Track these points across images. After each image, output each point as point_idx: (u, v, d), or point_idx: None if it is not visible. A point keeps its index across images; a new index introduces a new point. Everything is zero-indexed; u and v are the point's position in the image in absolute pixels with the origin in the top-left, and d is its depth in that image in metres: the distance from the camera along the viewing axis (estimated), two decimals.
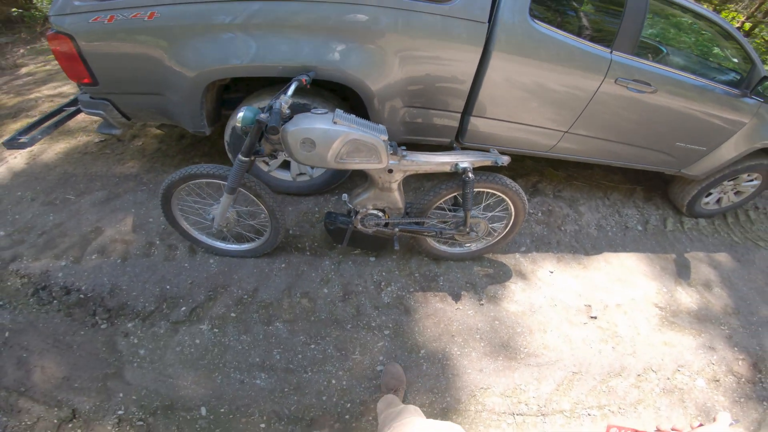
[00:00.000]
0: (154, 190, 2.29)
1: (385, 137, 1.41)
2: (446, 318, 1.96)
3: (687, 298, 2.27)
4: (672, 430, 0.60)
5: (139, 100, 1.87)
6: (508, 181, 1.72)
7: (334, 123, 1.34)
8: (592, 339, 1.97)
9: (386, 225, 1.79)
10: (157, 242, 2.04)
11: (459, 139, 2.17)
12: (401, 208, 1.72)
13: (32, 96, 3.25)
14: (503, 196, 1.79)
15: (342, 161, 1.40)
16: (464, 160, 1.55)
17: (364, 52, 1.71)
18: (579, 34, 1.87)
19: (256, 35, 1.63)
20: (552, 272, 2.28)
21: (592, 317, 2.07)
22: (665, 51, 2.41)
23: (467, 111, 2.01)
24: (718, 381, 1.91)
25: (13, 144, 1.86)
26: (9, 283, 1.86)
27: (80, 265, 1.93)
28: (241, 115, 1.33)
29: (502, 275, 2.20)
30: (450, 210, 1.88)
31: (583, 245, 2.48)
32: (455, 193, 1.72)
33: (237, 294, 1.90)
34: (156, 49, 1.66)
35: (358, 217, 1.72)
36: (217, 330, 1.79)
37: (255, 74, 1.72)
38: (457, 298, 2.06)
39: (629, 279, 2.30)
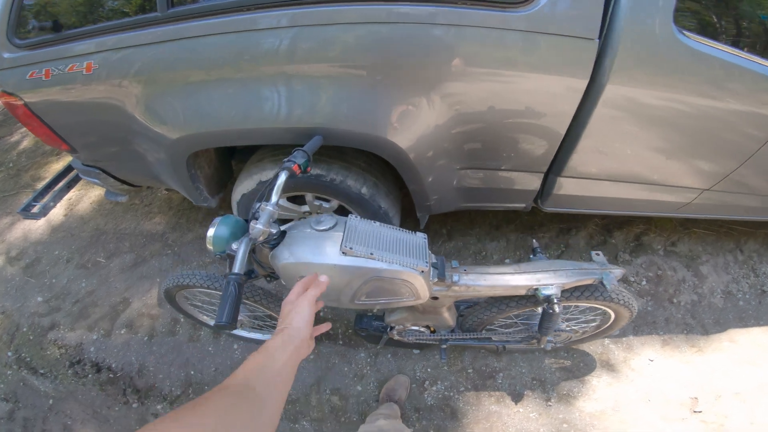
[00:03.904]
0: (179, 253, 2.25)
1: (425, 266, 1.00)
2: (501, 423, 1.68)
3: None
4: None
5: (127, 165, 1.69)
6: (618, 293, 1.22)
7: (343, 253, 0.96)
8: None
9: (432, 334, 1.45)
10: (182, 319, 2.00)
11: (539, 203, 1.67)
12: (452, 325, 1.36)
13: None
14: (604, 308, 1.32)
15: (361, 302, 1.05)
16: (550, 283, 1.08)
17: (381, 96, 1.23)
18: (754, 51, 1.19)
19: (229, 88, 1.26)
20: (652, 360, 1.82)
21: (695, 411, 1.66)
22: None
23: (554, 170, 1.50)
24: None
25: (27, 214, 1.83)
26: (49, 352, 1.98)
27: (110, 340, 1.98)
28: (210, 235, 0.99)
29: (582, 368, 1.80)
30: (518, 317, 1.47)
31: (702, 321, 1.91)
32: (529, 309, 1.30)
33: None
34: (108, 112, 1.40)
35: (395, 331, 1.40)
36: None
37: (227, 143, 1.40)
38: (517, 398, 1.74)
39: (760, 360, 1.78)
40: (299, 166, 1.03)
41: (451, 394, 1.74)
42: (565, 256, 2.07)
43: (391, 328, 1.42)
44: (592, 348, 1.84)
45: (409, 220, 2.07)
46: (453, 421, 1.68)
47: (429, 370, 1.78)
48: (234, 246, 0.90)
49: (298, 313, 0.68)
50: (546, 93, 1.20)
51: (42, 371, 1.90)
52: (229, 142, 1.40)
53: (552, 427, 1.65)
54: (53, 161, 2.91)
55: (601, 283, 1.08)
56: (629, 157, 1.42)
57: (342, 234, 0.96)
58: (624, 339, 1.86)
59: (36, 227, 2.44)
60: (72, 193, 2.53)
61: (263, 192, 1.02)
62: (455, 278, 1.06)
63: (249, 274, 1.15)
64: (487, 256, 2.09)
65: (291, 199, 1.71)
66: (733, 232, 2.13)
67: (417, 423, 1.67)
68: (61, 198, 1.93)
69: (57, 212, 2.48)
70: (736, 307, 1.95)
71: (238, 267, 0.81)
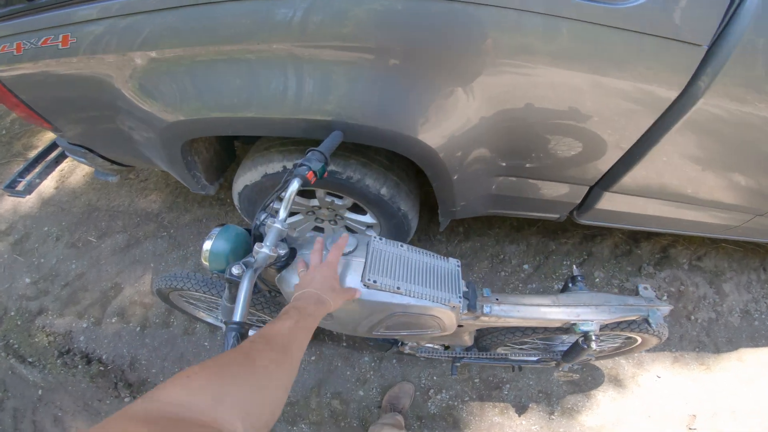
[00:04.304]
0: (174, 236, 2.11)
1: (458, 301, 0.88)
2: None
3: None
4: None
5: (115, 146, 1.54)
6: (657, 326, 1.07)
7: (365, 286, 0.83)
8: None
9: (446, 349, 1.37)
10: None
11: (574, 214, 1.55)
12: (469, 344, 1.27)
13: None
14: (634, 336, 1.24)
15: (380, 333, 0.95)
16: (591, 319, 0.97)
17: (412, 88, 1.05)
18: None
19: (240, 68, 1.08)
20: (659, 377, 1.78)
21: (691, 429, 1.67)
22: None
23: (603, 183, 1.35)
24: None
25: (12, 191, 1.69)
26: (37, 340, 1.89)
27: (101, 329, 1.89)
28: (207, 249, 0.86)
29: (590, 382, 1.76)
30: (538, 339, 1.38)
31: (715, 339, 1.87)
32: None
33: None
34: (91, 89, 1.23)
35: (407, 347, 1.31)
36: None
37: (230, 132, 1.24)
38: (522, 410, 1.70)
39: (759, 380, 1.76)
40: (315, 173, 0.88)
41: (456, 403, 1.69)
42: (587, 265, 1.98)
43: (403, 344, 1.34)
44: (602, 362, 1.79)
45: (424, 216, 1.95)
46: (454, 431, 1.64)
47: (435, 378, 1.72)
48: (235, 270, 0.76)
49: (323, 279, 0.76)
50: (620, 100, 1.03)
51: (30, 360, 1.82)
52: (233, 132, 1.24)
53: None
54: (47, 130, 2.73)
55: (646, 320, 0.99)
56: (692, 178, 1.28)
57: (363, 261, 0.84)
58: (636, 355, 1.81)
59: (26, 199, 2.29)
60: (64, 164, 2.36)
61: (268, 199, 0.88)
62: (486, 310, 0.95)
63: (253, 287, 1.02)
64: (504, 260, 1.99)
65: (299, 192, 1.57)
66: (761, 249, 2.04)
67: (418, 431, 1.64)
68: (48, 174, 1.77)
69: (48, 184, 2.31)
70: (751, 327, 1.89)
71: (239, 315, 0.68)
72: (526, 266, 1.97)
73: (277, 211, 0.84)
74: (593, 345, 0.98)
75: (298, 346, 0.59)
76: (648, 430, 1.65)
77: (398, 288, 0.80)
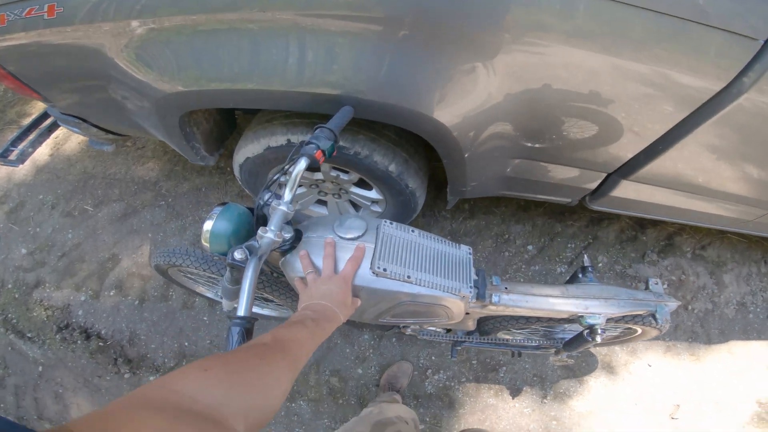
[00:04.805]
0: (173, 205, 2.07)
1: (469, 291, 0.85)
2: (495, 416, 1.71)
3: None
4: None
5: (110, 117, 1.48)
6: (659, 319, 1.03)
7: (374, 274, 0.80)
8: None
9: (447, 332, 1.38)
10: None
11: (586, 199, 1.53)
12: (471, 329, 1.27)
13: None
14: (635, 328, 1.24)
15: (386, 320, 0.94)
16: (599, 312, 0.96)
17: (427, 63, 1.00)
18: None
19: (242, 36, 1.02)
20: (650, 366, 1.82)
21: (673, 418, 1.72)
22: None
23: (622, 171, 1.32)
24: None
25: (5, 160, 1.64)
26: (35, 314, 1.88)
27: (99, 302, 1.88)
28: (207, 229, 0.82)
29: (584, 368, 1.80)
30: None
31: (708, 330, 1.89)
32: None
33: None
34: (82, 59, 1.17)
35: (409, 329, 1.31)
36: None
37: (231, 105, 1.18)
38: (516, 393, 1.75)
39: (747, 373, 1.81)
40: (324, 152, 0.82)
41: (452, 384, 1.72)
42: (591, 248, 1.97)
43: (405, 326, 1.33)
44: (597, 349, 1.81)
45: (429, 192, 1.92)
46: (449, 411, 1.69)
47: (433, 358, 1.74)
48: (237, 255, 0.72)
49: (338, 293, 0.75)
50: (655, 90, 0.98)
51: (29, 335, 1.82)
52: (233, 104, 1.18)
53: (542, 423, 1.69)
54: (37, 100, 2.62)
55: (653, 315, 0.98)
56: (716, 171, 1.25)
57: (373, 246, 0.81)
58: (632, 344, 1.84)
59: (20, 167, 2.23)
60: (59, 131, 2.28)
61: (273, 177, 0.83)
62: (495, 299, 0.93)
63: None
64: (509, 240, 1.97)
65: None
66: (765, 241, 2.04)
67: (414, 410, 1.66)
68: (41, 143, 1.71)
69: (43, 151, 2.24)
70: (745, 319, 1.91)
71: (244, 308, 0.65)
72: (530, 247, 1.96)
73: (282, 191, 0.80)
74: (598, 339, 0.98)
75: (306, 356, 0.60)
76: (633, 417, 1.70)
77: (408, 277, 0.78)
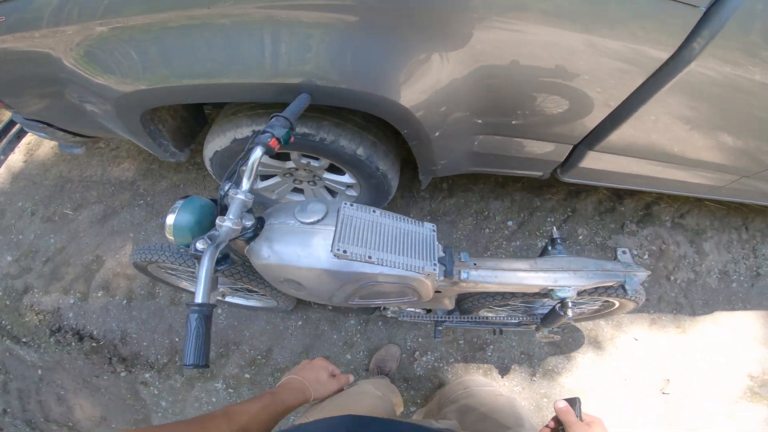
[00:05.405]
0: (152, 204, 2.07)
1: (432, 268, 0.83)
2: None
3: None
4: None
5: (73, 120, 1.47)
6: (634, 293, 1.04)
7: (335, 256, 0.79)
8: (649, 415, 1.70)
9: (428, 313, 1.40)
10: None
11: (557, 172, 1.55)
12: (450, 308, 1.29)
13: None
14: (612, 300, 1.26)
15: (356, 302, 0.95)
16: (568, 285, 0.97)
17: (385, 47, 1.00)
18: None
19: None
20: (637, 340, 1.84)
21: (664, 393, 1.74)
22: None
23: (587, 142, 1.34)
24: None
25: None
26: (27, 319, 1.90)
27: (88, 304, 1.89)
28: (170, 224, 0.82)
29: (571, 344, 1.82)
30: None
31: (692, 301, 1.91)
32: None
33: (250, 354, 1.79)
34: (33, 65, 1.16)
35: (389, 311, 1.33)
36: (232, 390, 1.76)
37: (192, 101, 1.19)
38: (504, 371, 1.77)
39: (735, 345, 1.83)
40: (278, 139, 0.83)
41: (441, 365, 1.75)
42: (571, 221, 1.99)
43: (385, 308, 1.35)
44: (583, 324, 1.84)
45: (406, 173, 1.92)
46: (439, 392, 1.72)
47: (420, 339, 1.77)
48: (199, 245, 0.73)
49: (316, 372, 0.77)
50: (608, 60, 1.00)
51: (25, 340, 1.83)
52: (194, 100, 1.18)
53: (533, 401, 1.71)
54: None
55: (622, 286, 0.99)
56: (679, 138, 1.27)
57: (333, 229, 0.82)
58: (615, 317, 1.86)
59: None
60: (29, 137, 2.26)
61: (232, 168, 0.83)
62: (463, 276, 0.94)
63: (223, 260, 0.91)
64: (489, 217, 1.99)
65: (274, 155, 1.53)
66: (744, 208, 2.05)
67: (405, 393, 1.70)
68: (11, 150, 1.71)
69: (16, 158, 2.21)
70: (729, 288, 1.93)
71: (201, 296, 0.65)
72: (510, 222, 1.98)
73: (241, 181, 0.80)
74: (569, 312, 0.99)
75: (258, 426, 0.59)
76: (624, 394, 1.72)
77: (370, 257, 0.78)
